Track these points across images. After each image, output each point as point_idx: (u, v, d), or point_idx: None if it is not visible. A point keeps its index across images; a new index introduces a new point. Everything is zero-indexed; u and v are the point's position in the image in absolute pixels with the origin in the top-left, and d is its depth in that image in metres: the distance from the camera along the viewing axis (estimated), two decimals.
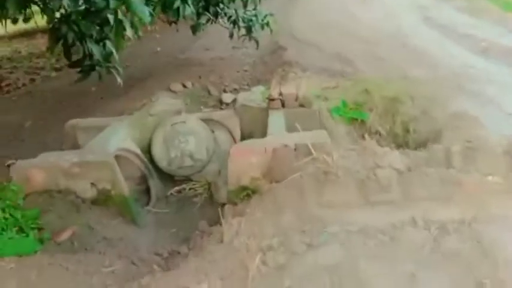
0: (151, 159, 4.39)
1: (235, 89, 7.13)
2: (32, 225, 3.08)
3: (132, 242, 3.42)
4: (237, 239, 2.71)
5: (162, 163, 4.35)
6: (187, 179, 4.45)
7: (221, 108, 6.44)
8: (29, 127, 6.28)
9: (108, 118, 4.45)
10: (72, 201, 3.47)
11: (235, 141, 4.54)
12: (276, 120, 3.91)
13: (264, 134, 4.22)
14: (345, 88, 4.94)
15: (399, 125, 4.39)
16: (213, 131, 4.54)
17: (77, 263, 2.87)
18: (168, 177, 4.41)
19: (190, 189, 4.37)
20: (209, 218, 3.85)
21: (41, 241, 3.01)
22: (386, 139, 4.43)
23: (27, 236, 2.96)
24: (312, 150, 3.15)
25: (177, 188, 4.38)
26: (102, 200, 3.56)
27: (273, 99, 4.16)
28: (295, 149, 3.28)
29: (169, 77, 6.93)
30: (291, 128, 3.79)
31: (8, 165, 5.03)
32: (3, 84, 8.71)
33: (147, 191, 4.36)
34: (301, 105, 4.30)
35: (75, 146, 4.31)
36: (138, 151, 4.28)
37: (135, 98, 5.95)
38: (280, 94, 4.15)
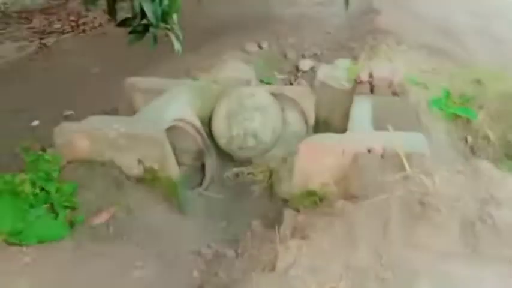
0: (211, 134, 3.87)
1: (315, 54, 6.34)
2: (66, 203, 2.71)
3: (175, 234, 2.97)
4: (293, 270, 2.13)
5: (222, 140, 3.82)
6: (247, 162, 3.90)
7: (296, 76, 5.76)
8: (95, 74, 6.01)
9: (169, 80, 3.94)
10: (115, 177, 3.06)
11: (306, 125, 3.89)
12: (362, 110, 3.18)
13: (343, 123, 3.52)
14: (450, 74, 4.04)
15: None
16: (283, 110, 3.90)
17: (104, 258, 2.48)
18: (226, 157, 3.89)
19: (249, 174, 3.82)
20: (265, 215, 3.32)
21: (72, 224, 2.64)
22: (496, 148, 3.56)
23: (57, 217, 2.59)
24: (406, 164, 2.44)
25: (235, 170, 3.86)
26: (149, 179, 3.12)
27: (360, 82, 3.40)
28: (382, 156, 2.59)
29: (245, 34, 6.27)
30: (378, 122, 3.06)
31: (66, 116, 4.80)
32: (80, 22, 8.54)
33: (202, 168, 3.88)
34: (394, 93, 3.51)
35: (131, 109, 3.89)
36: (198, 123, 3.77)
37: (205, 55, 5.39)
38: (371, 76, 3.39)
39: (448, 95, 3.76)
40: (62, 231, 2.54)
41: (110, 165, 3.10)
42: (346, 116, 3.50)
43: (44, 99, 5.09)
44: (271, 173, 3.78)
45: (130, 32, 2.26)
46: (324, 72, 3.91)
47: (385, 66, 3.77)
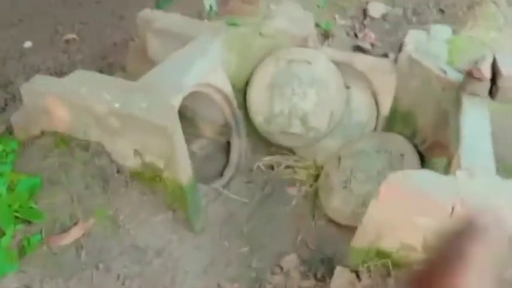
0: (245, 106, 2.85)
1: None
2: (19, 213, 1.83)
3: (174, 262, 2.11)
4: None
5: (258, 117, 2.80)
6: (289, 151, 2.91)
7: (363, 25, 4.50)
8: None
9: (197, 22, 2.83)
10: (101, 168, 2.15)
11: (377, 114, 2.81)
12: (479, 126, 2.08)
13: (434, 128, 2.46)
14: None
15: None
16: (348, 87, 2.81)
17: None
18: (261, 140, 2.90)
19: (287, 167, 2.85)
20: (303, 242, 2.41)
21: (23, 250, 1.78)
22: None
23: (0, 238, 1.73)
24: None
25: (268, 158, 2.88)
26: (148, 176, 2.19)
27: (473, 76, 2.25)
28: None
29: None
30: (500, 143, 2.00)
31: (67, 41, 3.78)
32: None
33: (227, 148, 2.92)
34: None
35: (143, 57, 2.86)
36: (228, 88, 2.74)
37: None
38: (493, 74, 2.22)
39: None
40: (4, 265, 1.69)
41: (95, 148, 2.17)
42: (444, 121, 2.41)
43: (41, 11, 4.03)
44: (317, 173, 2.80)
45: None
46: (415, 41, 2.73)
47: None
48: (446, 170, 2.10)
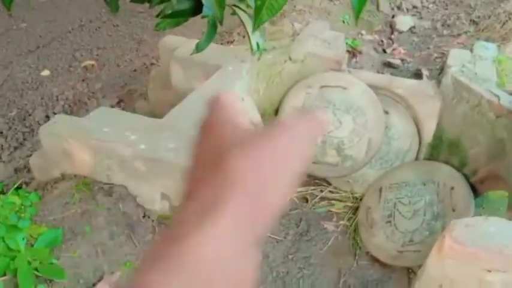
0: None
1: (415, 8, 4.78)
2: (39, 267, 1.67)
3: None
4: None
5: None
6: (323, 182, 2.71)
7: (391, 40, 4.29)
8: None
9: (221, 50, 2.67)
10: (125, 213, 1.98)
11: (420, 140, 2.60)
12: None
13: (485, 158, 2.24)
14: None
15: None
16: (386, 112, 2.61)
17: None
18: None
19: (322, 199, 2.65)
20: (345, 286, 2.20)
21: None
22: None
23: None
24: None
25: (301, 189, 2.69)
26: None
27: None
28: None
29: None
30: None
31: (85, 67, 3.66)
32: None
33: None
34: None
35: (166, 84, 2.71)
36: (257, 117, 2.56)
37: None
38: None
39: None
40: None
41: (120, 192, 2.01)
42: (496, 148, 2.19)
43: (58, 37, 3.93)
44: (356, 205, 2.60)
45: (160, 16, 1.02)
46: (459, 62, 2.52)
47: None
48: (510, 206, 1.88)
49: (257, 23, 0.74)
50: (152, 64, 3.46)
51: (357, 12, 0.81)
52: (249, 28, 1.23)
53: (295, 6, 3.76)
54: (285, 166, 0.34)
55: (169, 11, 0.96)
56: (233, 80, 2.40)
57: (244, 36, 3.31)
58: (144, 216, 2.02)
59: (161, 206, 2.01)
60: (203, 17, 1.01)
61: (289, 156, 0.35)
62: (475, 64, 2.49)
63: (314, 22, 3.03)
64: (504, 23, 3.46)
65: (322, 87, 2.55)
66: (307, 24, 3.00)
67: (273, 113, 2.66)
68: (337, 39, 2.80)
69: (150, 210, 2.02)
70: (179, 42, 2.67)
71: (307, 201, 2.66)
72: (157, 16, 1.05)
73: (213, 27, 1.08)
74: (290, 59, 2.61)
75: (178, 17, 0.94)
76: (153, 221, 2.04)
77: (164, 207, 2.01)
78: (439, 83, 2.50)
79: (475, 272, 1.50)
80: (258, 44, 1.14)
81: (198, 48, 1.19)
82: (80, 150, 1.99)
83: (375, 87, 2.57)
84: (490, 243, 1.47)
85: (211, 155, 0.35)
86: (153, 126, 1.99)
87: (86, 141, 1.95)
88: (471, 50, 2.65)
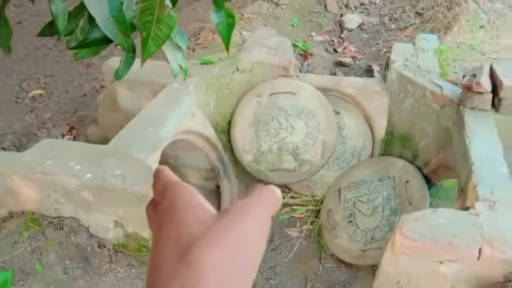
0: (230, 147, 2.65)
1: (362, 5, 4.87)
2: None
3: None
4: None
5: (246, 157, 2.60)
6: (284, 188, 2.71)
7: (341, 39, 4.34)
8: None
9: (165, 67, 2.63)
10: (78, 246, 1.92)
11: (373, 137, 2.62)
12: (485, 139, 1.90)
13: (435, 149, 2.28)
14: None
15: None
16: (337, 113, 2.63)
17: None
18: (252, 179, 2.69)
19: (284, 206, 2.65)
20: None
21: None
22: None
23: None
24: None
25: None
26: (133, 247, 1.97)
27: (473, 91, 2.07)
28: None
29: None
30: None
31: (33, 97, 3.55)
32: None
33: (216, 192, 2.71)
34: None
35: (114, 107, 2.65)
36: (210, 131, 2.54)
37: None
38: (494, 85, 2.05)
39: None
40: None
41: (70, 225, 1.95)
42: (443, 138, 2.23)
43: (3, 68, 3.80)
44: (317, 208, 2.60)
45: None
46: (401, 56, 2.57)
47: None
48: (460, 195, 1.91)
49: (145, 55, 0.72)
50: (102, 87, 3.39)
51: (226, 41, 0.80)
52: (167, 53, 1.19)
53: (243, 15, 3.76)
54: (249, 252, 0.34)
55: (74, 43, 0.92)
56: (181, 96, 2.37)
57: (205, 47, 3.28)
58: (99, 246, 1.96)
59: (115, 233, 1.95)
60: (116, 45, 0.97)
61: (252, 241, 0.35)
62: (417, 57, 2.54)
63: (260, 29, 3.03)
64: (446, 13, 3.55)
65: (271, 94, 2.55)
66: (255, 31, 3.00)
67: (226, 125, 2.64)
68: (283, 44, 2.81)
69: (104, 239, 1.96)
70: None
71: None
72: (69, 48, 1.01)
73: (129, 53, 1.04)
74: (237, 69, 2.60)
75: (90, 47, 0.92)
76: (109, 250, 1.98)
77: (118, 234, 1.95)
78: (385, 78, 2.54)
79: (428, 265, 1.52)
80: (180, 66, 1.11)
81: (117, 76, 1.14)
82: (24, 186, 1.92)
83: (323, 89, 2.59)
84: (439, 235, 1.49)
85: (174, 245, 0.34)
86: (98, 154, 1.94)
87: (30, 176, 1.88)
88: (413, 43, 2.71)
